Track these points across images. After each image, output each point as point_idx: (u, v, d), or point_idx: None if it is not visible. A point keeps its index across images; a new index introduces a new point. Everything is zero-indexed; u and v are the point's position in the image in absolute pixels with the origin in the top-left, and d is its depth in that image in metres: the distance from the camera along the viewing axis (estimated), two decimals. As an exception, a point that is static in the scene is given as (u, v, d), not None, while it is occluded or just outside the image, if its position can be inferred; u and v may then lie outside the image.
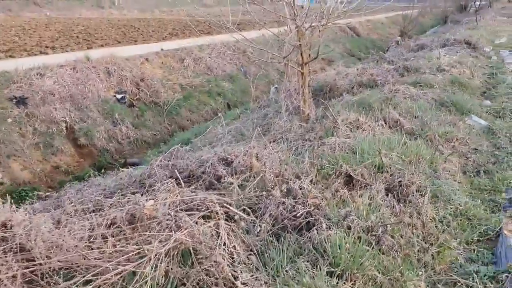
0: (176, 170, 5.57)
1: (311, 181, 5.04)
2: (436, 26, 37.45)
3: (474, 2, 30.86)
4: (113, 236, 3.45)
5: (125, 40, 23.02)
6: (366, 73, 11.08)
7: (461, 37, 16.38)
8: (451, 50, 14.43)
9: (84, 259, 3.01)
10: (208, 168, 5.43)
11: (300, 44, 7.96)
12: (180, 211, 4.19)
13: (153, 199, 4.32)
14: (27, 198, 8.12)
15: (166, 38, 23.66)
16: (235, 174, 5.23)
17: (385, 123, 7.31)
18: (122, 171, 13.61)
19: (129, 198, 4.31)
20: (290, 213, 4.37)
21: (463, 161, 6.68)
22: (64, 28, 25.60)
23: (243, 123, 10.68)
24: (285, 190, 4.69)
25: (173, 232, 3.54)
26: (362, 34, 32.04)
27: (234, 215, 4.32)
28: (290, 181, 4.86)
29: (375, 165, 5.57)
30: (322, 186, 5.20)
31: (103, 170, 12.52)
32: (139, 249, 3.25)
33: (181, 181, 5.06)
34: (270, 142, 6.81)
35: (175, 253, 3.51)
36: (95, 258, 3.06)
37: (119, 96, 15.13)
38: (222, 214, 4.06)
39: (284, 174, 4.96)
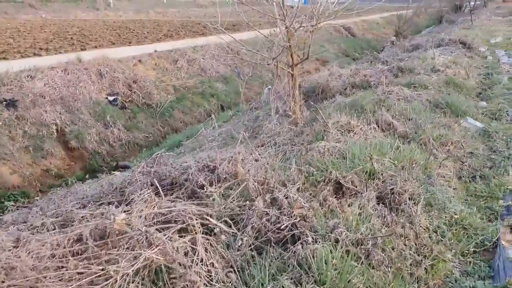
0: (157, 178, 5.26)
1: (298, 189, 4.72)
2: (431, 26, 37.16)
3: (469, 2, 30.57)
4: (78, 255, 3.12)
5: (119, 41, 22.67)
6: (359, 74, 10.76)
7: (456, 37, 16.05)
8: (446, 50, 14.11)
9: (39, 282, 2.68)
10: (191, 175, 5.11)
11: (290, 45, 7.64)
12: (156, 223, 3.88)
13: (128, 211, 4.00)
14: (9, 205, 7.77)
15: (161, 40, 23.30)
16: (219, 182, 4.92)
17: (378, 126, 6.99)
18: (114, 174, 13.29)
19: (102, 210, 3.98)
20: (274, 225, 4.04)
21: (458, 165, 6.36)
22: (58, 30, 25.24)
23: (234, 125, 10.39)
24: (270, 200, 4.36)
25: (144, 249, 3.22)
26: (357, 34, 31.73)
27: (214, 228, 3.99)
28: (276, 189, 4.54)
29: (366, 171, 5.25)
30: (310, 194, 4.88)
31: (87, 176, 12.34)
32: (104, 270, 2.93)
33: (160, 190, 4.73)
34: (258, 147, 6.50)
35: (146, 272, 3.19)
36: (53, 282, 2.73)
37: (111, 98, 14.80)
38: (199, 227, 3.73)
39: (270, 182, 4.63)
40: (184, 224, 3.83)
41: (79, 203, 5.07)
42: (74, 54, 16.39)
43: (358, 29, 32.86)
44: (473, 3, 30.11)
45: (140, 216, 3.86)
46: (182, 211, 3.98)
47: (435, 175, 5.63)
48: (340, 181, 5.08)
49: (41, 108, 13.07)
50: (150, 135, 14.95)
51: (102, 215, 3.84)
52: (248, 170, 4.78)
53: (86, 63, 15.22)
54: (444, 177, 5.85)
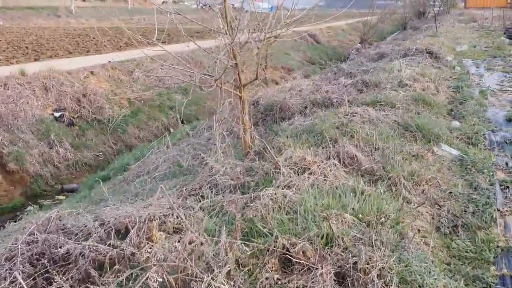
0: (47, 251, 3.82)
1: (228, 272, 3.34)
2: (395, 32, 36.24)
3: (433, 8, 29.67)
4: None
5: (77, 50, 21.00)
6: (320, 90, 9.45)
7: (422, 46, 14.88)
8: (413, 60, 12.91)
9: None
10: (88, 249, 3.68)
11: (236, 63, 6.26)
12: None
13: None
14: None
15: (122, 48, 21.64)
16: (120, 261, 3.51)
17: (340, 161, 5.66)
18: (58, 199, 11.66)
19: None
20: None
21: (435, 211, 5.06)
22: (15, 38, 23.38)
23: (182, 149, 8.96)
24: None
25: None
26: (323, 41, 30.51)
27: None
28: (195, 280, 3.14)
29: (323, 236, 3.90)
30: (249, 270, 3.53)
31: (28, 202, 10.74)
32: None
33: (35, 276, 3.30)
34: (190, 195, 5.10)
35: None
36: None
37: (57, 114, 13.19)
38: None
39: (187, 268, 3.23)
40: None
41: None
42: (20, 66, 14.74)
43: (324, 36, 31.67)
44: (437, 9, 29.20)
45: None
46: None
47: (409, 231, 4.30)
48: (289, 251, 3.73)
49: (-26, 128, 11.45)
50: (101, 153, 13.39)
51: None
52: (156, 254, 3.35)
53: (30, 76, 13.56)
54: (419, 230, 4.55)
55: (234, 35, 5.90)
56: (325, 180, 5.05)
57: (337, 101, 8.77)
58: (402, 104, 8.38)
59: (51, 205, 10.95)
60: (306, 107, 8.82)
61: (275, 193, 4.51)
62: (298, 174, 5.17)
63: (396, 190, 5.14)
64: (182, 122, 16.01)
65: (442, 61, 13.72)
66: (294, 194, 4.58)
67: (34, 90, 13.16)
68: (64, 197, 11.36)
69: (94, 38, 24.19)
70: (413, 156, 6.18)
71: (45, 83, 13.53)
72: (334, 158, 5.66)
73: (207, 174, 5.51)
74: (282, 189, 4.71)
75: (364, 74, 11.96)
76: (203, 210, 4.47)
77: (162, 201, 4.67)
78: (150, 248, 3.42)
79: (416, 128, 7.22)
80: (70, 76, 14.48)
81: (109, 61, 16.37)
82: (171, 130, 15.41)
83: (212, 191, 5.12)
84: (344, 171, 5.49)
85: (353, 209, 4.41)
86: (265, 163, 5.32)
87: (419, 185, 5.34)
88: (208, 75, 6.25)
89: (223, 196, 4.90)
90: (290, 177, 5.03)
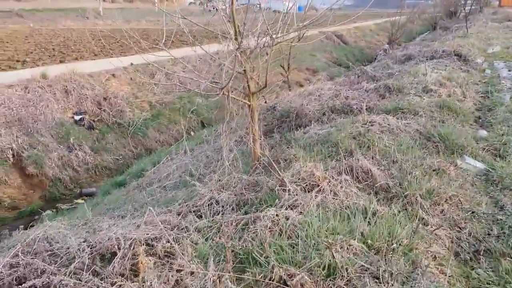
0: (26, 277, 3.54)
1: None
2: (425, 33, 35.22)
3: (464, 8, 28.64)
4: None
5: (102, 52, 20.97)
6: (340, 95, 9.00)
7: (450, 48, 14.17)
8: (440, 63, 12.28)
9: None
10: (68, 275, 3.38)
11: (244, 70, 5.90)
12: None
13: None
14: None
15: (146, 50, 21.52)
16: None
17: (352, 176, 5.23)
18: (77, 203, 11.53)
19: None
20: None
21: (455, 234, 4.58)
22: (43, 40, 23.59)
23: (196, 156, 8.67)
24: None
25: None
26: (350, 41, 29.86)
27: None
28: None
29: (324, 266, 3.50)
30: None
31: (46, 206, 10.64)
32: None
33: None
34: (191, 212, 4.76)
35: None
36: None
37: (77, 118, 13.08)
38: None
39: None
40: None
41: None
42: (44, 68, 14.72)
43: (351, 36, 31.00)
44: (468, 8, 28.12)
45: None
46: None
47: (423, 259, 3.85)
48: (287, 283, 3.35)
49: (-6, 132, 11.40)
50: (121, 157, 13.23)
51: None
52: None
53: (51, 79, 13.49)
54: (436, 257, 4.09)
55: (240, 41, 5.56)
56: (334, 198, 4.64)
57: (357, 108, 8.31)
58: (425, 112, 7.87)
59: (69, 209, 10.88)
60: (324, 114, 8.39)
61: (277, 214, 4.13)
62: (306, 191, 4.77)
63: (412, 210, 4.68)
64: (203, 126, 15.77)
65: (471, 63, 13.01)
66: (298, 215, 4.19)
67: (55, 93, 13.09)
68: (82, 201, 11.22)
69: (120, 39, 24.18)
70: (433, 170, 5.68)
71: (66, 86, 13.44)
72: (346, 173, 5.23)
73: (208, 190, 5.16)
74: (286, 209, 4.33)
75: (389, 77, 11.44)
76: (199, 232, 4.12)
77: (158, 219, 4.35)
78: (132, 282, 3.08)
79: (439, 138, 6.71)
80: (91, 79, 14.37)
81: (131, 64, 16.22)
82: (192, 133, 15.16)
83: (213, 208, 4.78)
84: (357, 187, 5.06)
85: (362, 233, 3.99)
86: (269, 179, 4.93)
87: (438, 204, 4.86)
88: (216, 82, 5.92)
89: (223, 215, 4.55)
90: (296, 195, 4.64)
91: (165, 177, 8.04)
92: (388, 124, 6.93)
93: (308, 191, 4.78)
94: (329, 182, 4.88)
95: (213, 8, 5.90)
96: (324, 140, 6.57)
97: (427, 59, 13.04)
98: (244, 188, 5.06)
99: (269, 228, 3.97)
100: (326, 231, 3.91)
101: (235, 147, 6.60)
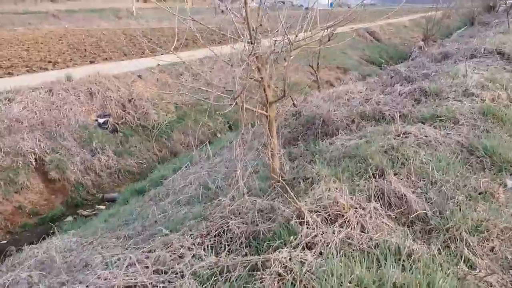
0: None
1: None
2: (462, 28, 33.44)
3: (505, 2, 26.83)
4: None
5: (132, 52, 20.51)
6: (371, 100, 8.09)
7: (492, 45, 12.96)
8: (481, 63, 11.14)
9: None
10: None
11: (261, 78, 5.13)
12: None
13: None
14: None
15: (176, 49, 20.95)
16: None
17: (383, 203, 4.38)
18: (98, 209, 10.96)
19: None
20: None
21: (509, 279, 3.69)
22: (76, 41, 23.34)
23: (215, 165, 7.96)
24: None
25: None
26: (383, 39, 28.51)
27: None
28: None
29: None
30: None
31: (68, 212, 10.16)
32: None
33: None
34: (194, 245, 4.01)
35: None
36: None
37: (101, 121, 12.56)
38: None
39: None
40: None
41: None
42: (71, 70, 14.32)
43: (384, 33, 29.63)
44: (510, 2, 26.25)
45: None
46: None
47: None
48: None
49: (17, 136, 10.96)
50: (145, 160, 12.65)
51: None
52: None
53: (76, 81, 13.02)
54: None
55: (256, 45, 4.79)
56: (361, 233, 3.81)
57: (389, 115, 7.41)
58: (467, 120, 6.89)
59: (89, 216, 10.36)
60: (353, 121, 7.52)
61: (290, 258, 3.34)
62: (328, 223, 3.96)
63: (456, 249, 3.80)
64: (230, 128, 15.06)
65: (516, 63, 11.81)
66: (317, 258, 3.39)
67: (79, 96, 12.60)
68: (103, 207, 10.71)
69: (151, 39, 23.72)
70: (479, 193, 4.77)
71: (91, 88, 12.94)
72: (376, 199, 4.39)
73: (219, 216, 4.41)
74: (303, 248, 3.53)
75: (424, 78, 10.43)
76: (195, 278, 3.37)
77: (152, 259, 3.63)
78: None
79: (484, 152, 5.76)
80: (117, 81, 13.83)
81: (158, 64, 15.60)
82: (218, 135, 14.48)
83: (220, 241, 4.03)
84: (388, 216, 4.21)
85: (394, 284, 3.16)
86: (285, 207, 4.13)
87: (487, 240, 3.96)
88: (230, 90, 5.18)
89: (229, 252, 3.79)
90: (317, 227, 3.83)
91: (180, 189, 7.36)
92: (425, 136, 6.01)
93: (331, 222, 3.96)
94: (356, 211, 4.05)
95: (226, 8, 5.13)
96: (352, 154, 5.72)
97: (466, 58, 11.90)
98: (258, 216, 4.28)
99: (280, 277, 3.18)
100: (350, 282, 3.10)
101: (253, 161, 5.86)
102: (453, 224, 4.01)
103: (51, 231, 9.41)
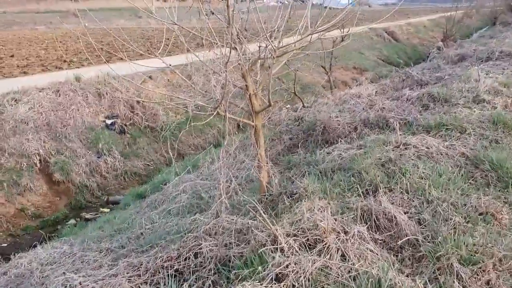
0: None
1: None
2: (483, 28, 32.38)
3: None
4: None
5: (148, 52, 20.27)
6: (375, 106, 7.62)
7: (510, 47, 12.28)
8: (497, 66, 10.51)
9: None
10: None
11: (246, 86, 4.76)
12: None
13: None
14: None
15: (192, 49, 20.69)
16: None
17: (371, 226, 3.95)
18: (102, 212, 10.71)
19: None
20: None
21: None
22: (95, 40, 23.24)
23: (211, 172, 7.61)
24: None
25: None
26: (401, 39, 27.69)
27: None
28: None
29: None
30: None
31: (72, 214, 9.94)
32: None
33: None
34: (163, 268, 3.66)
35: None
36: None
37: (109, 122, 12.32)
38: None
39: None
40: None
41: None
42: (89, 69, 14.15)
43: (403, 33, 28.80)
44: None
45: None
46: None
47: None
48: None
49: (22, 137, 10.79)
50: (152, 162, 12.37)
51: None
52: None
53: (85, 81, 12.81)
54: None
55: (241, 50, 4.41)
56: (341, 262, 3.40)
57: (394, 121, 6.93)
58: (474, 129, 6.37)
59: (93, 218, 10.12)
60: (355, 128, 7.07)
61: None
62: (306, 248, 3.56)
63: (445, 281, 3.35)
64: (239, 129, 14.68)
65: (534, 67, 11.13)
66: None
67: (87, 97, 12.39)
68: (108, 210, 10.46)
69: (168, 38, 23.50)
70: (480, 214, 4.29)
71: (99, 89, 12.71)
72: (363, 221, 3.96)
73: (193, 235, 4.04)
74: (271, 281, 3.14)
75: (437, 82, 9.90)
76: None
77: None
78: None
79: (490, 166, 5.25)
80: (126, 82, 13.58)
81: (169, 65, 15.31)
82: (228, 137, 14.10)
83: (189, 265, 3.66)
84: (375, 240, 3.78)
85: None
86: (260, 231, 3.73)
87: (482, 271, 3.50)
88: (211, 98, 4.83)
89: (196, 280, 3.42)
90: (292, 254, 3.44)
91: (173, 197, 7.05)
92: (427, 148, 5.54)
93: (309, 248, 3.56)
94: (338, 235, 3.63)
95: (210, 11, 4.78)
96: (347, 167, 5.29)
97: (482, 61, 11.26)
98: (234, 237, 3.90)
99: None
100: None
101: (238, 174, 5.48)
102: (444, 252, 3.56)
103: (53, 234, 9.27)
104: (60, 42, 22.61)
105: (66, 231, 9.03)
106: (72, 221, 10.13)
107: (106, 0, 33.80)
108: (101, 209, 10.68)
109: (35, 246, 6.94)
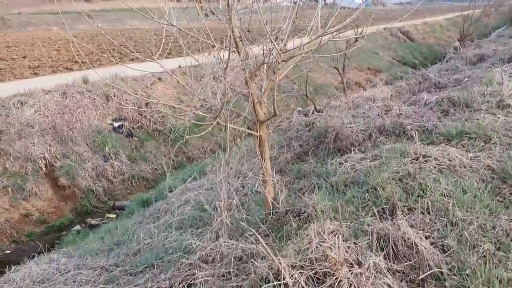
0: None
1: None
2: (502, 28, 31.39)
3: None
4: None
5: (160, 53, 19.89)
6: (391, 112, 7.08)
7: (532, 48, 11.66)
8: (520, 68, 9.93)
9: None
10: None
11: (250, 93, 4.29)
12: None
13: None
14: None
15: (204, 50, 20.25)
16: None
17: (388, 254, 3.45)
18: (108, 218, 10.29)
19: None
20: None
21: None
22: (106, 41, 22.93)
23: (214, 183, 7.12)
24: None
25: None
26: (417, 38, 26.91)
27: None
28: None
29: None
30: None
31: (77, 220, 9.56)
32: None
33: None
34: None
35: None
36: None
37: (116, 125, 11.94)
38: None
39: None
40: None
41: None
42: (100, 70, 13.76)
43: (418, 32, 28.00)
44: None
45: None
46: None
47: None
48: None
49: (28, 140, 10.45)
50: (160, 166, 11.95)
51: None
52: None
53: (92, 84, 12.44)
54: None
55: (244, 55, 3.94)
56: (353, 301, 2.90)
57: (411, 129, 6.40)
58: (500, 137, 5.81)
59: (99, 224, 9.73)
60: (370, 136, 6.54)
61: None
62: (314, 284, 3.07)
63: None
64: (249, 130, 14.21)
65: (559, 68, 10.48)
66: None
67: (94, 99, 12.01)
68: (113, 216, 10.07)
69: (181, 38, 23.12)
70: (510, 238, 3.76)
71: (107, 91, 12.33)
72: (379, 249, 3.46)
73: (188, 263, 3.58)
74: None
75: (456, 84, 9.32)
76: None
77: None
78: None
79: (519, 181, 4.72)
80: (135, 83, 13.21)
81: (179, 66, 14.88)
82: (238, 140, 13.64)
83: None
84: (392, 271, 3.28)
85: None
86: (263, 261, 3.24)
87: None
88: (210, 107, 4.39)
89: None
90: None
91: (176, 207, 6.59)
92: (449, 160, 5.00)
93: (317, 283, 3.07)
94: (351, 269, 3.14)
95: (210, 12, 4.33)
96: (361, 181, 4.79)
97: (503, 62, 10.63)
98: (233, 266, 3.42)
99: None
100: None
101: (245, 184, 5.02)
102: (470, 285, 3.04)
103: (57, 242, 8.90)
104: (72, 43, 22.28)
105: (69, 239, 8.67)
106: (77, 227, 9.76)
107: (119, 1, 33.47)
108: (107, 214, 10.30)
109: (33, 257, 6.62)
